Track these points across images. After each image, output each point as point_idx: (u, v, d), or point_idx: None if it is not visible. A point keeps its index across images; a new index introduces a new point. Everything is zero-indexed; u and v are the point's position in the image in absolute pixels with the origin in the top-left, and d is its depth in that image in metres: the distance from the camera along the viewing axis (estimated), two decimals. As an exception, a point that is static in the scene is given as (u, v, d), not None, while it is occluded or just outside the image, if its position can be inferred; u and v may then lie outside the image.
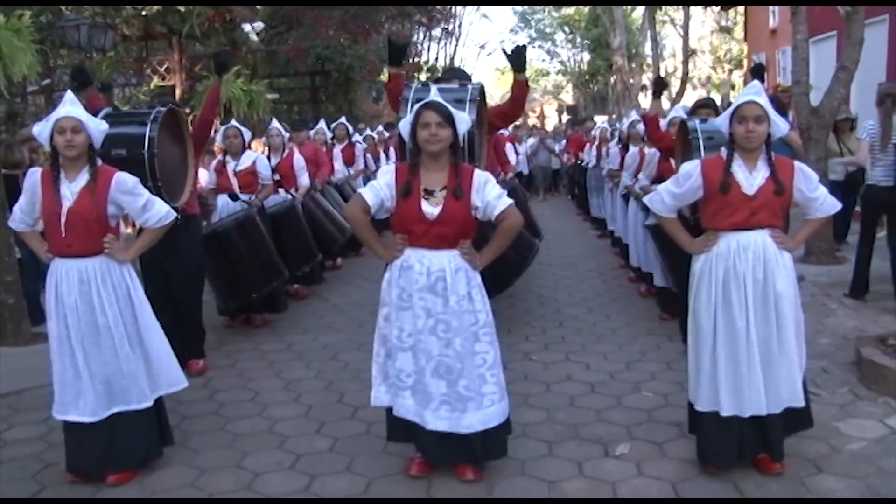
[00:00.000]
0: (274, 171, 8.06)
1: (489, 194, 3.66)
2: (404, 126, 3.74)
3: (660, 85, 6.70)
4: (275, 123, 8.67)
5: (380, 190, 3.69)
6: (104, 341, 3.85)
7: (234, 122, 7.46)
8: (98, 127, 3.92)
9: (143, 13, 12.29)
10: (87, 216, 3.81)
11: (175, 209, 5.36)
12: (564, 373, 5.50)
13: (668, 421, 4.56)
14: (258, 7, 14.26)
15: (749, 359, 3.65)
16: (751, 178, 3.68)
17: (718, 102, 6.78)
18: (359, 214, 3.73)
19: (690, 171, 3.80)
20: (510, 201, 3.70)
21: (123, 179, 3.91)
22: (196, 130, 5.80)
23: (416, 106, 3.68)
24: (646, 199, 4.04)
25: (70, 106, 3.85)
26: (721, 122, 3.78)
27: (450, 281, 3.64)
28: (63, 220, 3.81)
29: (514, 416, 4.62)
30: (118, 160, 4.95)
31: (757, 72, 6.17)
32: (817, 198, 3.80)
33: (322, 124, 10.85)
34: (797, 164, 3.81)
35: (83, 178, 3.86)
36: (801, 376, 3.78)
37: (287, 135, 8.66)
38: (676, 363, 5.60)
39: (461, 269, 3.68)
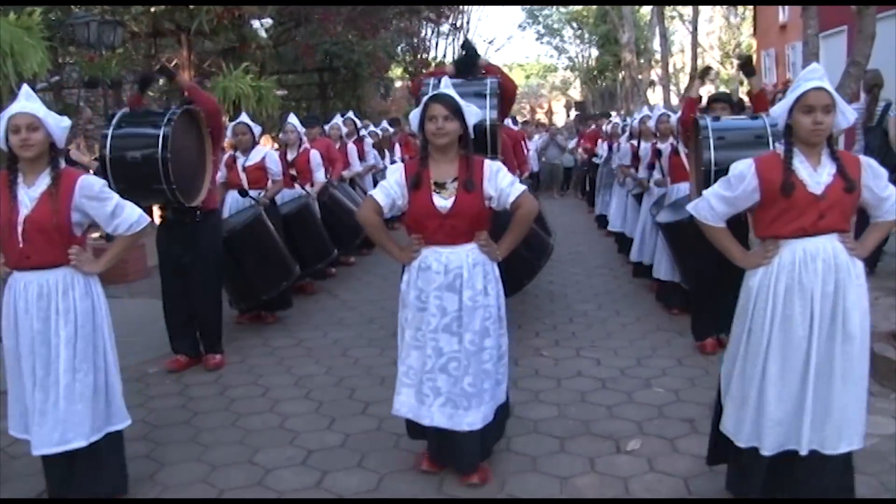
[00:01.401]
0: (291, 166, 8.08)
1: (502, 182, 3.61)
2: (414, 119, 3.71)
3: (706, 69, 6.78)
4: (291, 119, 8.67)
5: (390, 189, 3.64)
6: (53, 366, 3.45)
7: (243, 118, 7.47)
8: (59, 124, 3.49)
9: (152, 10, 12.32)
10: (47, 225, 3.41)
11: (192, 208, 5.42)
12: (575, 369, 5.50)
13: (679, 417, 4.55)
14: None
15: (803, 383, 3.16)
16: (816, 175, 3.16)
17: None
18: (372, 217, 3.68)
19: (743, 171, 3.26)
20: (523, 188, 3.65)
21: (89, 183, 3.49)
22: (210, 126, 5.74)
23: (424, 98, 3.65)
24: (690, 207, 3.48)
25: (25, 101, 3.44)
26: (778, 112, 3.23)
27: (466, 276, 3.59)
28: (20, 229, 3.41)
29: (525, 413, 4.65)
30: (133, 163, 5.08)
31: (746, 65, 6.02)
32: (888, 197, 3.25)
33: (338, 119, 10.86)
34: (864, 158, 3.30)
35: (43, 182, 3.44)
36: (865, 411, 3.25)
37: (303, 130, 8.67)
38: (687, 359, 5.59)
39: (479, 262, 3.63)
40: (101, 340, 3.64)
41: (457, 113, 3.56)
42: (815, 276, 3.15)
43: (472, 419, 3.63)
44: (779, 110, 3.24)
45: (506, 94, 5.57)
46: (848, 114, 3.20)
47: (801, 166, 3.18)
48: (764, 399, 3.19)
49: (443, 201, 3.57)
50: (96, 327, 3.63)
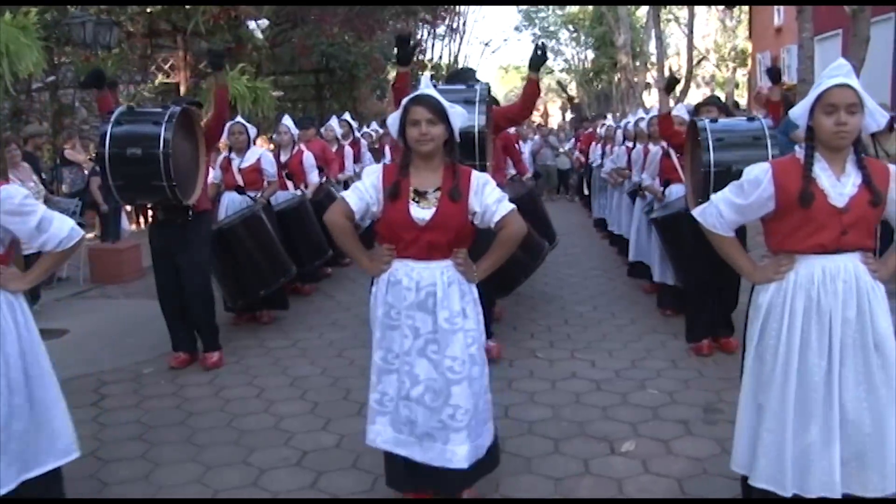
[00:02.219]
0: (284, 167, 8.09)
1: (488, 197, 3.25)
2: (393, 123, 3.34)
3: (672, 81, 6.63)
4: (285, 120, 8.67)
5: (364, 192, 3.28)
6: None
7: (239, 119, 7.47)
8: None
9: (148, 10, 12.31)
10: None
11: (187, 206, 5.45)
12: (570, 370, 5.50)
13: (673, 418, 4.56)
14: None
15: (826, 421, 2.83)
16: (839, 185, 2.81)
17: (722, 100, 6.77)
18: (340, 220, 3.29)
19: (758, 175, 2.90)
20: (511, 207, 3.28)
21: (8, 196, 3.06)
22: (210, 130, 5.82)
23: (405, 101, 3.28)
24: (696, 213, 3.12)
25: None
26: (798, 112, 2.87)
27: (440, 296, 3.21)
28: None
29: (519, 414, 4.66)
30: (133, 159, 5.12)
31: (774, 74, 6.04)
32: None
33: (334, 121, 10.87)
34: (895, 168, 2.92)
35: None
36: None
37: (297, 132, 8.67)
38: (681, 361, 5.61)
39: (454, 282, 3.26)
40: (34, 364, 3.22)
41: (441, 116, 3.21)
42: (834, 298, 2.83)
43: (459, 456, 3.23)
44: (799, 110, 2.88)
45: (499, 123, 5.57)
46: (878, 115, 2.82)
47: (822, 174, 2.82)
48: (782, 434, 2.86)
49: (422, 212, 3.20)
50: (24, 349, 3.18)
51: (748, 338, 3.07)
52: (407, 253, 3.26)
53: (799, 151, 2.92)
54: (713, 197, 3.07)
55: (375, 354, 3.34)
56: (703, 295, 5.70)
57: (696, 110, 5.93)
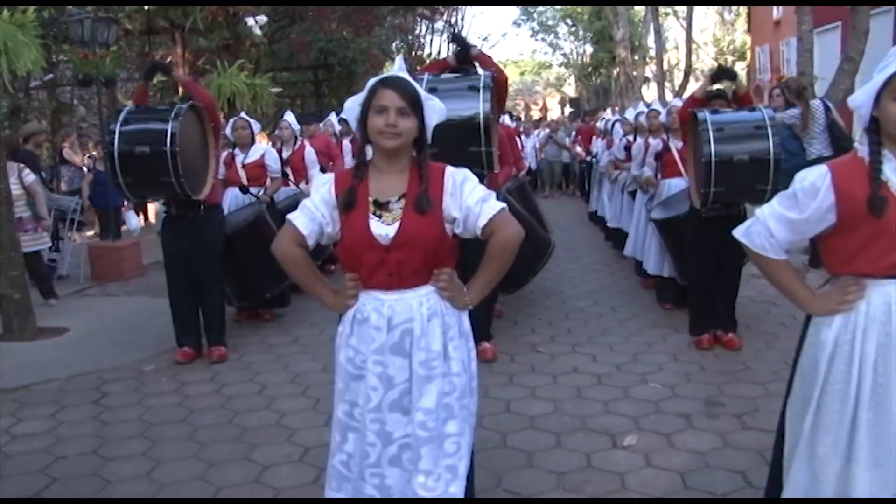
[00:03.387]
0: (285, 163, 8.09)
1: (469, 197, 2.57)
2: (352, 109, 2.66)
3: (719, 75, 6.03)
4: (287, 116, 8.67)
5: (314, 210, 2.63)
6: None
7: (243, 115, 7.47)
8: None
9: (146, 7, 12.29)
10: None
11: (198, 201, 5.53)
12: (571, 364, 5.50)
13: (675, 412, 4.56)
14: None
15: None
16: None
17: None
18: (291, 251, 2.65)
19: (815, 182, 2.34)
20: (500, 206, 2.58)
21: None
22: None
23: (372, 82, 2.60)
24: (739, 235, 2.52)
25: None
26: (861, 100, 2.35)
27: (418, 333, 2.55)
28: None
29: (521, 409, 4.67)
30: (142, 157, 5.21)
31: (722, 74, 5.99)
32: None
33: (333, 116, 10.86)
34: None
35: None
36: None
37: (298, 127, 8.66)
38: (683, 354, 5.61)
39: (436, 314, 2.59)
40: None
41: (415, 106, 2.55)
42: None
43: None
44: (861, 98, 2.36)
45: (499, 87, 5.52)
46: None
47: (894, 176, 2.29)
48: (850, 489, 2.35)
49: (384, 227, 2.54)
50: None
51: (801, 378, 2.50)
52: (373, 282, 2.59)
53: (861, 149, 2.37)
54: (758, 213, 2.48)
55: (338, 408, 2.71)
56: (705, 289, 5.70)
57: (703, 103, 5.88)
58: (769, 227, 2.44)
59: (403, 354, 2.57)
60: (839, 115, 8.25)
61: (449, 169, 2.63)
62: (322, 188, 2.66)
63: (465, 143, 4.94)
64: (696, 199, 5.48)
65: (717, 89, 5.98)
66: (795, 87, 8.19)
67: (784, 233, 2.43)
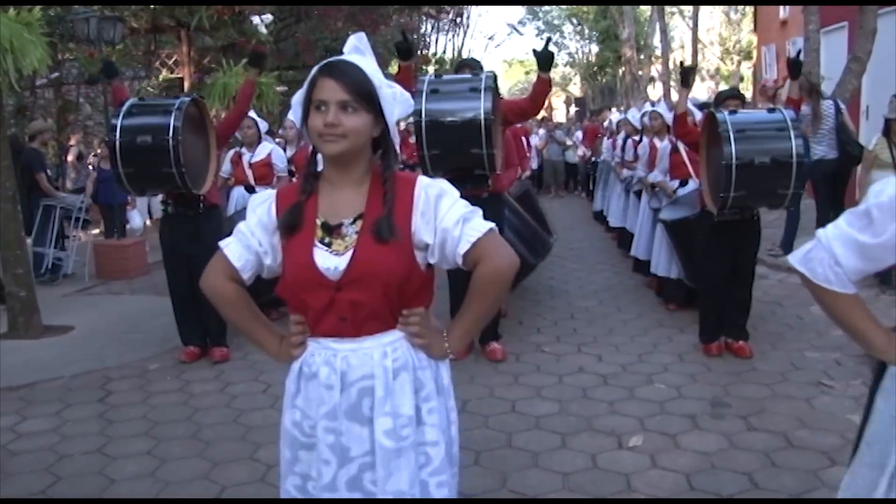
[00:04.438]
0: (289, 162, 8.09)
1: (446, 218, 1.99)
2: (297, 105, 2.07)
3: (687, 72, 5.89)
4: (291, 115, 8.66)
5: (250, 236, 2.10)
6: None
7: (250, 113, 7.47)
8: None
9: (152, 6, 12.30)
10: None
11: (198, 199, 5.56)
12: (576, 364, 5.49)
13: (681, 413, 4.54)
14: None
15: None
16: None
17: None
18: (221, 286, 2.18)
19: (894, 196, 1.83)
20: (487, 227, 2.01)
21: None
22: (228, 122, 6.06)
23: (313, 71, 2.01)
24: (795, 262, 1.99)
25: None
26: None
27: (381, 394, 2.01)
28: None
29: (526, 409, 4.66)
30: (143, 147, 5.23)
31: (794, 68, 5.77)
32: None
33: None
34: None
35: None
36: None
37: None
38: (688, 355, 5.59)
39: (405, 367, 2.05)
40: None
41: (365, 98, 1.96)
42: None
43: None
44: None
45: (507, 116, 5.54)
46: None
47: None
48: None
49: (331, 259, 1.98)
50: None
51: (872, 443, 2.01)
52: (322, 328, 2.03)
53: None
54: (820, 235, 1.96)
55: (286, 481, 2.15)
56: (715, 295, 5.55)
57: (717, 103, 5.75)
58: (835, 252, 1.91)
59: (362, 420, 2.01)
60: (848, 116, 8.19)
61: (421, 181, 2.04)
62: (259, 207, 2.10)
63: (466, 146, 4.95)
64: (712, 204, 5.31)
65: (732, 88, 5.90)
66: (807, 84, 8.03)
67: (854, 260, 1.90)
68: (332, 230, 2.01)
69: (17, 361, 5.73)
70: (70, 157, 12.55)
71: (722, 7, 34.32)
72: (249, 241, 2.10)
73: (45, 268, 8.97)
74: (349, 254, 1.96)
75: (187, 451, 4.21)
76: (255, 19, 13.30)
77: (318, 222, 2.02)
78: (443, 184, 2.05)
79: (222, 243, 2.17)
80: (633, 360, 5.56)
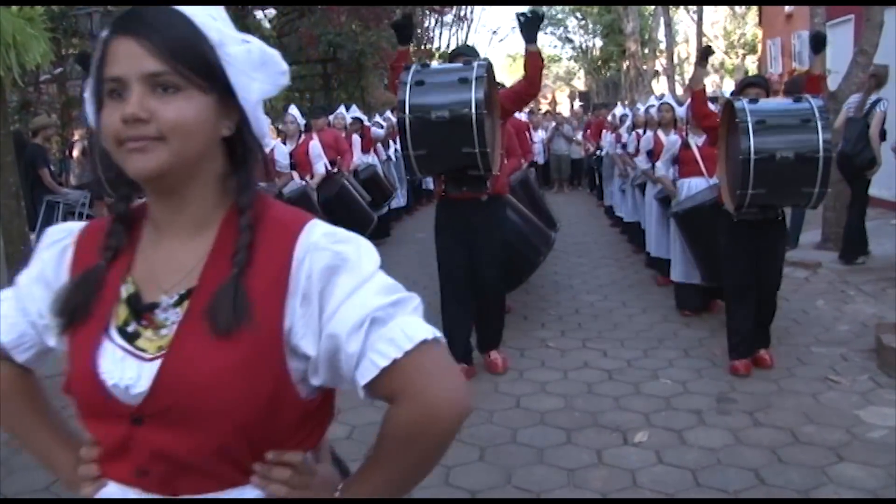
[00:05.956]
0: (290, 157, 8.08)
1: (339, 315, 1.12)
2: (90, 98, 1.15)
3: (706, 52, 5.73)
4: (292, 110, 8.65)
5: (26, 295, 1.26)
6: None
7: None
8: None
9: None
10: None
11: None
12: (581, 360, 5.47)
13: (686, 408, 4.53)
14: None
15: None
16: None
17: (731, 88, 6.48)
18: None
19: None
20: (418, 339, 1.11)
21: None
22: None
23: (103, 34, 1.14)
24: None
25: None
26: None
27: None
28: None
29: (531, 404, 4.65)
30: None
31: (817, 43, 5.27)
32: None
33: (342, 109, 10.84)
34: None
35: None
36: None
37: (303, 122, 8.64)
38: (694, 350, 5.57)
39: None
40: None
41: (196, 65, 1.10)
42: None
43: None
44: None
45: (505, 105, 5.10)
46: None
47: None
48: None
49: (131, 367, 1.13)
50: None
51: None
52: (120, 472, 1.17)
53: None
54: None
55: None
56: (744, 299, 4.98)
57: (740, 91, 5.29)
58: None
59: None
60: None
61: (309, 232, 1.16)
62: (49, 250, 1.26)
63: (456, 144, 4.46)
64: (730, 203, 4.82)
65: (756, 75, 5.64)
66: (873, 71, 7.68)
67: None
68: (142, 312, 1.16)
69: (22, 357, 5.73)
70: (74, 153, 12.56)
71: (727, 0, 34.23)
72: (26, 304, 1.26)
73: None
74: (157, 363, 1.11)
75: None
76: (259, 13, 13.32)
77: (124, 294, 1.17)
78: (345, 243, 1.17)
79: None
80: (639, 355, 5.54)
